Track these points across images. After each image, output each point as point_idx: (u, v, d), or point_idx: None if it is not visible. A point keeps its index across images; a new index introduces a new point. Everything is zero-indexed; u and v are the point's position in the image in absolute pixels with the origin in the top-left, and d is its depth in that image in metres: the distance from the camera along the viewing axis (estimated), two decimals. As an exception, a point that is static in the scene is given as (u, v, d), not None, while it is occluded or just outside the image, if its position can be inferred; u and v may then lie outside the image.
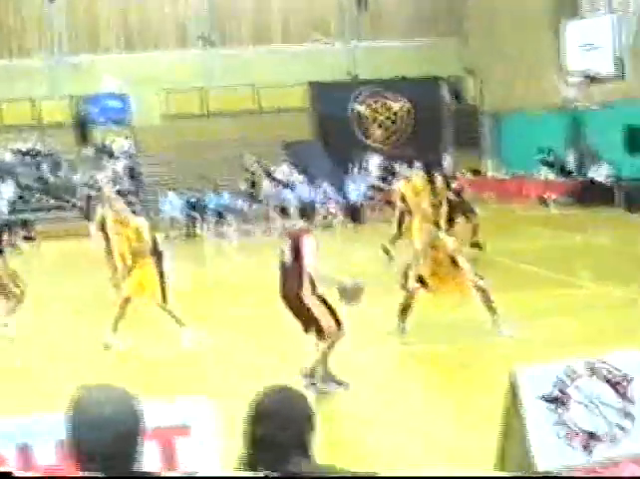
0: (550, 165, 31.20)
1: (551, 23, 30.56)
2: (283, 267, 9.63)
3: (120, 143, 33.16)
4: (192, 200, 28.71)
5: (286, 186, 30.50)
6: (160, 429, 5.27)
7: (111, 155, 32.74)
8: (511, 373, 5.82)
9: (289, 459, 3.35)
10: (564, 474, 5.82)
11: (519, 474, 5.81)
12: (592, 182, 29.04)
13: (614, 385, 5.96)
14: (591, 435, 5.87)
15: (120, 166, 32.06)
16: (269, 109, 34.96)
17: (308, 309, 9.47)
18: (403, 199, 17.41)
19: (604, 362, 6.01)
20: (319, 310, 9.51)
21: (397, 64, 35.54)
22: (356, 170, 32.25)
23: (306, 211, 10.52)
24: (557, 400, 5.83)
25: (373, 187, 31.00)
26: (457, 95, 37.05)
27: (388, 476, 5.71)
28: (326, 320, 9.52)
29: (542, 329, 12.12)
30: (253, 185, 30.84)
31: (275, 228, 27.34)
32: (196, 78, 35.27)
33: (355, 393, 9.71)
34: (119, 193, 15.95)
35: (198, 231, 27.96)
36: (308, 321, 9.55)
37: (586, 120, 30.36)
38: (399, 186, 19.54)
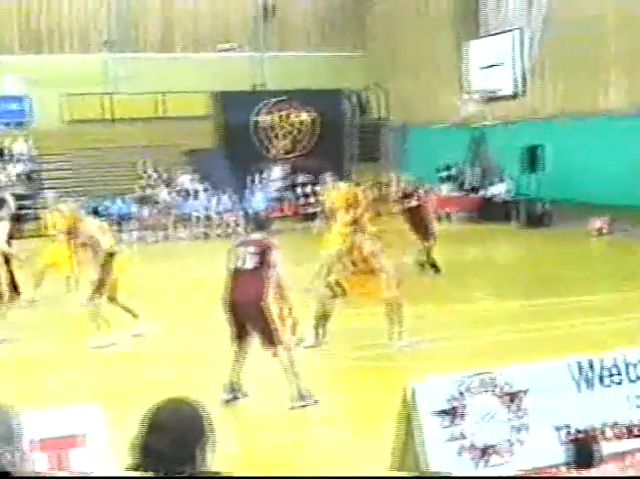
0: (452, 180, 31.66)
1: (453, 41, 31.04)
2: (238, 274, 9.61)
3: (18, 146, 32.51)
4: (92, 205, 28.29)
5: (187, 194, 30.34)
6: (53, 439, 5.19)
7: (9, 158, 32.09)
8: (406, 387, 5.85)
9: (176, 472, 3.35)
10: None
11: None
12: (492, 198, 29.57)
13: (507, 399, 6.05)
14: (485, 449, 5.94)
15: (18, 169, 31.46)
16: (173, 116, 34.70)
17: (267, 318, 9.46)
18: (323, 206, 18.03)
19: (498, 376, 6.09)
20: (280, 321, 9.54)
21: (303, 75, 35.66)
22: (258, 180, 32.23)
23: (260, 219, 10.58)
24: (451, 414, 5.88)
25: (275, 197, 31.01)
26: (362, 108, 37.35)
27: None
28: (284, 331, 9.56)
29: (442, 343, 12.29)
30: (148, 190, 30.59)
31: (176, 236, 27.30)
32: (100, 83, 34.84)
33: (259, 400, 9.76)
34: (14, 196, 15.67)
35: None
36: (265, 330, 9.51)
37: (487, 137, 30.91)
38: (320, 194, 20.17)
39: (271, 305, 9.48)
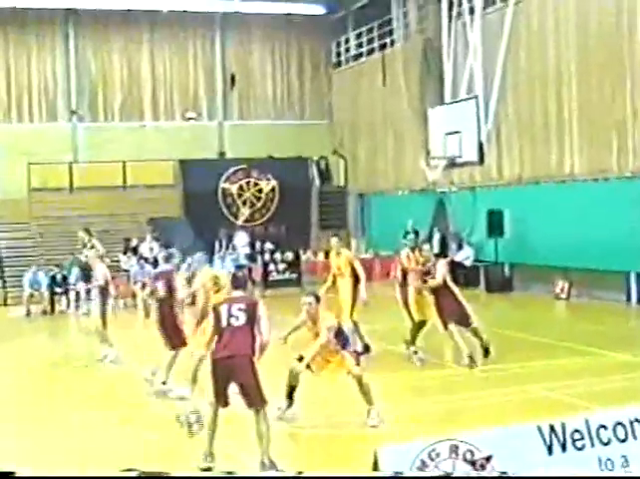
0: (414, 246, 31.70)
1: (416, 108, 31.35)
2: (228, 331, 9.70)
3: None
4: (56, 275, 28.06)
5: (152, 262, 30.14)
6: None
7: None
8: (374, 452, 5.82)
9: None
10: None
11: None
12: (455, 263, 29.68)
13: (475, 465, 6.02)
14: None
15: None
16: (136, 184, 34.72)
17: (256, 374, 9.58)
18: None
19: (465, 442, 6.07)
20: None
21: (266, 143, 35.98)
22: (223, 247, 32.16)
23: (239, 278, 10.58)
24: (420, 480, 5.85)
25: (240, 265, 30.90)
26: (324, 175, 37.58)
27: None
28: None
29: (409, 409, 12.24)
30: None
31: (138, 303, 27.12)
32: (64, 151, 34.86)
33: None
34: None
35: (60, 306, 27.28)
36: (253, 387, 9.55)
37: (450, 202, 31.15)
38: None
39: (256, 364, 9.61)
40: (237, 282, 10.41)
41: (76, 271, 27.70)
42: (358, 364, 11.73)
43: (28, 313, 26.62)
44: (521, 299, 25.71)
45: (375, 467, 5.76)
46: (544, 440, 6.26)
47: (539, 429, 6.29)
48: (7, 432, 11.71)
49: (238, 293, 10.13)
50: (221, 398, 9.73)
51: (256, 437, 9.53)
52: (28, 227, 32.62)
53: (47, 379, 15.65)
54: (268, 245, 31.53)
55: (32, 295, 27.32)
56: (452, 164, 29.32)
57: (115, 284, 28.62)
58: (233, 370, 9.63)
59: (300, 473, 8.29)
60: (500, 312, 24.23)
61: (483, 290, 27.61)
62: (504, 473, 6.06)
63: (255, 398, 9.59)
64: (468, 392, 13.21)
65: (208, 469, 9.50)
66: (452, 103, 29.64)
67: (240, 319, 9.72)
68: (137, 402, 13.35)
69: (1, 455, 9.72)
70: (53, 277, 27.94)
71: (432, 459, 5.88)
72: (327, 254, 33.38)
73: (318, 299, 11.94)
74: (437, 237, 31.58)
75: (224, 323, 9.78)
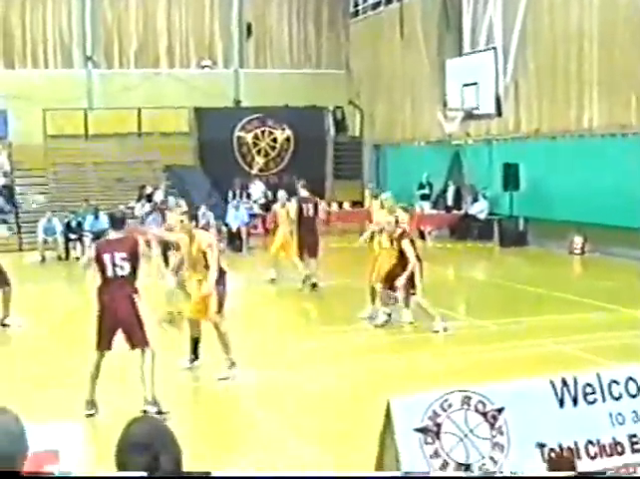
0: (429, 198, 31.72)
1: (433, 59, 31.16)
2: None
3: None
4: (70, 221, 28.15)
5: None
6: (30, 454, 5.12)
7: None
8: (386, 403, 5.84)
9: None
10: None
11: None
12: (470, 216, 29.66)
13: (487, 416, 6.04)
14: (467, 466, 5.93)
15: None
16: (152, 132, 34.70)
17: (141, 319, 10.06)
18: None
19: (477, 393, 6.08)
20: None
21: (282, 92, 35.76)
22: (237, 196, 32.19)
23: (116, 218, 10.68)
24: (431, 431, 5.87)
25: (254, 214, 30.94)
26: (340, 126, 37.45)
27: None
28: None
29: (419, 361, 12.31)
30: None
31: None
32: (79, 98, 34.78)
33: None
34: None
35: (75, 252, 27.37)
36: (139, 330, 10.03)
37: (466, 155, 31.03)
38: (274, 209, 20.27)
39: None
40: (113, 223, 10.56)
41: (90, 218, 27.82)
42: (219, 311, 11.78)
43: (43, 259, 26.75)
44: (535, 254, 25.68)
45: (387, 417, 5.79)
46: (556, 394, 6.28)
47: (552, 383, 6.30)
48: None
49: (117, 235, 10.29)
50: (107, 348, 10.04)
51: (140, 378, 9.84)
52: (43, 173, 32.69)
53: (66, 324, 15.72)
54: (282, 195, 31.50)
55: (46, 242, 27.44)
56: (469, 116, 29.14)
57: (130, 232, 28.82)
58: (120, 319, 9.97)
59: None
60: (514, 267, 24.25)
61: (497, 244, 27.58)
62: (514, 473, 6.09)
63: (138, 341, 9.96)
64: (480, 345, 13.24)
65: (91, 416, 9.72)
66: (470, 54, 29.39)
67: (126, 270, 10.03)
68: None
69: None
70: (67, 224, 28.03)
71: (444, 409, 5.90)
72: (341, 205, 33.70)
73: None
74: (451, 189, 31.54)
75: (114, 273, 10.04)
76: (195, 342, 12.02)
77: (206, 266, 11.56)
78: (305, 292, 18.79)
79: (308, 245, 19.21)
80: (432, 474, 5.80)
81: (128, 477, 3.19)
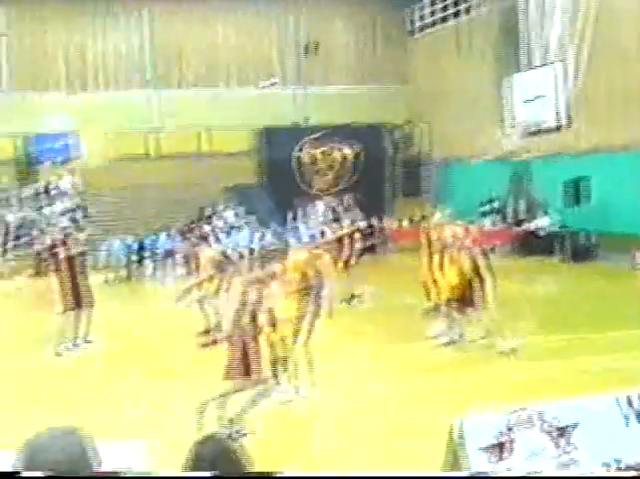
0: (493, 214, 31.51)
1: (493, 75, 31.02)
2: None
3: (63, 182, 32.84)
4: (135, 242, 28.46)
5: (228, 231, 30.39)
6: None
7: (53, 195, 32.42)
8: (451, 422, 5.79)
9: None
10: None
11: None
12: (533, 232, 29.39)
13: (556, 435, 5.95)
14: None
15: (61, 206, 31.74)
16: (215, 152, 34.97)
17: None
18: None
19: (546, 411, 6.00)
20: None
21: (345, 110, 35.81)
22: (301, 215, 32.26)
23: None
24: (498, 450, 5.80)
25: (313, 235, 30.94)
26: (403, 143, 37.39)
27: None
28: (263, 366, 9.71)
29: (487, 378, 12.20)
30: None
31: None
32: (142, 120, 35.19)
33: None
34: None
35: (139, 273, 27.64)
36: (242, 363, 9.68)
37: (529, 171, 30.76)
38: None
39: None
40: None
41: (154, 239, 28.15)
42: None
43: (106, 281, 27.06)
44: (603, 269, 25.31)
45: (453, 436, 5.73)
46: (622, 411, 6.18)
47: (617, 400, 6.21)
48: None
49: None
50: None
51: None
52: (109, 193, 33.05)
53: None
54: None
55: (110, 262, 27.78)
56: (532, 131, 28.93)
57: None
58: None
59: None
60: (581, 281, 23.92)
61: (563, 259, 27.25)
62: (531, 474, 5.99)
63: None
64: (547, 361, 13.08)
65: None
66: (531, 69, 29.22)
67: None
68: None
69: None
70: (133, 245, 28.37)
71: (511, 428, 5.83)
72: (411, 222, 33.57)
73: None
74: (517, 204, 31.29)
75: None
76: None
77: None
78: (364, 309, 18.86)
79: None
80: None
81: (133, 477, 3.17)
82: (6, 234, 30.40)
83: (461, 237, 14.89)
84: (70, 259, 15.44)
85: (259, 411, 10.17)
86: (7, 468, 3.17)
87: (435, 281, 15.36)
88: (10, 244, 30.24)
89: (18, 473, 3.08)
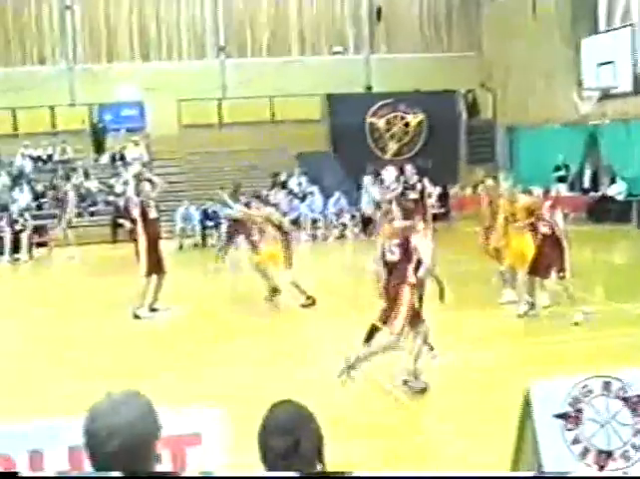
0: (565, 180, 31.12)
1: (568, 38, 30.53)
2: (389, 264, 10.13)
3: (136, 150, 33.22)
4: (207, 209, 28.70)
5: (302, 197, 30.50)
6: (172, 437, 5.25)
7: (126, 163, 32.84)
8: (525, 389, 5.78)
9: (313, 469, 3.52)
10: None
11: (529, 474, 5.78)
12: (607, 198, 28.98)
13: (628, 402, 5.91)
14: (609, 453, 5.83)
15: (132, 172, 32.16)
16: (284, 119, 35.09)
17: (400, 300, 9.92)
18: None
19: (618, 379, 5.96)
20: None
21: (412, 77, 35.60)
22: (370, 181, 32.21)
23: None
24: (571, 418, 5.79)
25: (388, 200, 30.90)
26: (472, 109, 37.07)
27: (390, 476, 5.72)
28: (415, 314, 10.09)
29: (559, 345, 12.11)
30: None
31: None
32: (212, 88, 35.37)
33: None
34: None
35: (212, 240, 27.88)
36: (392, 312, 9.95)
37: (603, 136, 30.28)
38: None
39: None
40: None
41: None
42: None
43: (181, 247, 27.36)
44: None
45: (526, 403, 5.73)
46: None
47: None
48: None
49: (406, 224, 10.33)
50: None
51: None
52: (179, 162, 33.40)
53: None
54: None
55: (184, 229, 28.07)
56: (605, 95, 28.45)
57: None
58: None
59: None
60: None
61: (636, 227, 26.86)
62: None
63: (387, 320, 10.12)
64: (620, 329, 12.92)
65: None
66: (606, 32, 28.70)
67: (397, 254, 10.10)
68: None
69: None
70: (204, 212, 28.59)
71: (585, 395, 5.80)
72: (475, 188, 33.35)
73: None
74: (588, 171, 30.88)
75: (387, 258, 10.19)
76: None
77: None
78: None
79: None
80: (571, 462, 5.71)
81: (124, 477, 3.21)
82: (82, 200, 30.90)
83: (532, 205, 14.56)
84: (154, 222, 15.70)
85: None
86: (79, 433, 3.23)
87: (498, 250, 15.26)
88: (88, 211, 30.77)
89: (17, 473, 3.16)
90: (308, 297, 15.71)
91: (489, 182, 16.86)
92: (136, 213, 15.62)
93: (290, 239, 16.44)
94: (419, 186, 20.42)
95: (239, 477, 4.18)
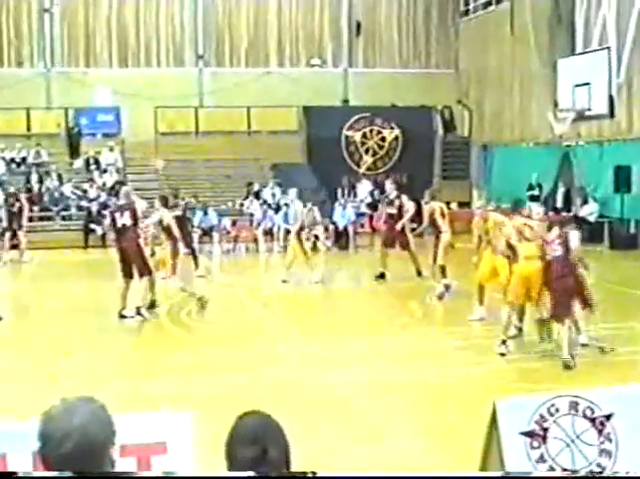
0: (538, 199, 31.27)
1: (545, 58, 30.73)
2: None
3: (109, 156, 33.13)
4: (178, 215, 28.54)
5: (276, 208, 30.46)
6: (138, 446, 5.23)
7: (101, 168, 32.73)
8: (493, 405, 5.80)
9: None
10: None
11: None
12: (579, 218, 29.13)
13: (595, 423, 5.94)
14: (570, 473, 5.84)
15: (109, 179, 32.07)
16: (260, 130, 35.11)
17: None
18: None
19: (586, 399, 5.99)
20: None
21: (390, 92, 35.74)
22: (345, 195, 32.29)
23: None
24: (537, 436, 5.81)
25: (361, 213, 30.98)
26: (448, 125, 37.22)
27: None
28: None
29: (526, 363, 12.15)
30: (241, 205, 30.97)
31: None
32: (190, 96, 35.32)
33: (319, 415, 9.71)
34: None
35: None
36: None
37: (576, 156, 30.48)
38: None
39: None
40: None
41: (200, 214, 28.26)
42: None
43: (153, 254, 27.20)
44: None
45: (493, 418, 5.75)
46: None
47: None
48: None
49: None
50: None
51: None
52: (154, 169, 33.29)
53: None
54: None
55: (156, 237, 27.90)
56: (580, 116, 28.65)
57: (237, 228, 29.26)
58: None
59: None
60: (625, 270, 23.69)
61: (607, 247, 27.04)
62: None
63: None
64: (589, 349, 12.98)
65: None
66: (582, 54, 28.91)
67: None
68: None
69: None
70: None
71: (551, 414, 5.83)
72: (448, 205, 33.49)
73: None
74: (561, 191, 31.06)
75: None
76: None
77: None
78: (411, 290, 18.88)
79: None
80: None
81: (125, 477, 3.21)
82: (55, 204, 30.75)
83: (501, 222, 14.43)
84: (121, 230, 15.96)
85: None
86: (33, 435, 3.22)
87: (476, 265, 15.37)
88: (60, 215, 30.64)
89: (15, 473, 3.15)
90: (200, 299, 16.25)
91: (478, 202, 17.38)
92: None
93: (178, 246, 17.10)
94: (397, 202, 20.72)
95: (201, 477, 4.18)
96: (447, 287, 17.62)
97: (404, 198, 20.81)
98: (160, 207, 17.21)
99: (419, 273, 20.04)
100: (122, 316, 15.62)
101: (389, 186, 21.72)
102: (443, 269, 18.20)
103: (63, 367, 11.95)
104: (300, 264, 20.44)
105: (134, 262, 15.87)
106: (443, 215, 18.83)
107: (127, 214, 16.04)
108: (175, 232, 16.73)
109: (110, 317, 15.61)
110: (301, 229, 20.28)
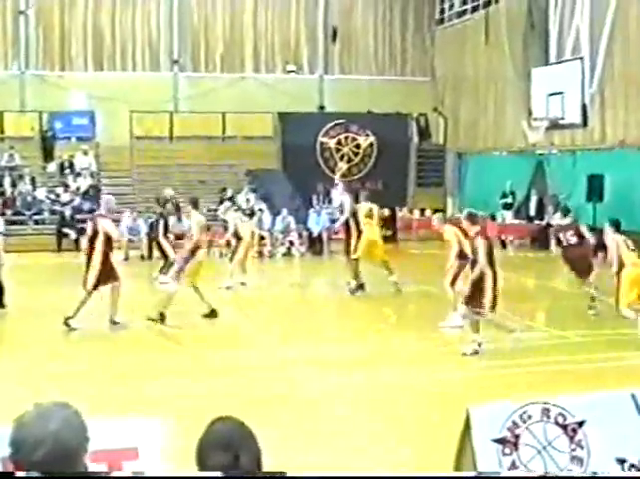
0: (511, 207, 31.44)
1: (520, 67, 30.89)
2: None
3: (83, 159, 32.95)
4: (154, 221, 28.44)
5: (250, 213, 30.38)
6: (109, 451, 5.19)
7: (75, 172, 32.56)
8: (465, 412, 5.81)
9: None
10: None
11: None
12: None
13: (567, 430, 5.96)
14: (545, 479, 5.87)
15: (83, 183, 31.91)
16: (236, 135, 35.07)
17: None
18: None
19: (558, 406, 6.01)
20: None
21: (365, 98, 35.82)
22: (319, 201, 32.28)
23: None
24: (509, 443, 5.82)
25: (335, 219, 30.97)
26: (423, 133, 37.34)
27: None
28: None
29: (499, 371, 12.20)
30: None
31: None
32: (165, 100, 35.25)
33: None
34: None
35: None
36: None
37: (550, 165, 30.68)
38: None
39: None
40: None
41: (174, 219, 28.14)
42: None
43: (126, 258, 27.11)
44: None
45: (466, 425, 5.76)
46: (637, 408, 6.18)
47: (633, 396, 6.21)
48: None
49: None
50: None
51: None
52: (128, 173, 33.22)
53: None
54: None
55: (130, 241, 27.84)
56: (554, 125, 28.82)
57: (211, 234, 29.13)
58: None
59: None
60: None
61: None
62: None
63: None
64: (561, 356, 13.06)
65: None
66: (556, 63, 29.09)
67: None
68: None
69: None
70: (151, 224, 28.36)
71: (523, 421, 5.85)
72: (422, 212, 33.61)
73: None
74: (534, 198, 31.23)
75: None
76: None
77: None
78: (381, 297, 18.94)
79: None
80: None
81: (201, 477, 3.23)
82: (28, 208, 30.59)
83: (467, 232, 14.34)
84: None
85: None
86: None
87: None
88: (33, 219, 30.48)
89: (12, 473, 3.14)
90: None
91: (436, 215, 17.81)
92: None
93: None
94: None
95: (170, 477, 4.17)
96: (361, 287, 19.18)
97: (374, 207, 20.73)
98: (192, 209, 17.23)
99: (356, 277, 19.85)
100: (113, 323, 15.50)
101: (334, 193, 22.21)
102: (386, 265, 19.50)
103: (36, 372, 11.88)
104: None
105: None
106: (369, 216, 19.83)
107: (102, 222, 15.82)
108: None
109: (87, 323, 15.42)
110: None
